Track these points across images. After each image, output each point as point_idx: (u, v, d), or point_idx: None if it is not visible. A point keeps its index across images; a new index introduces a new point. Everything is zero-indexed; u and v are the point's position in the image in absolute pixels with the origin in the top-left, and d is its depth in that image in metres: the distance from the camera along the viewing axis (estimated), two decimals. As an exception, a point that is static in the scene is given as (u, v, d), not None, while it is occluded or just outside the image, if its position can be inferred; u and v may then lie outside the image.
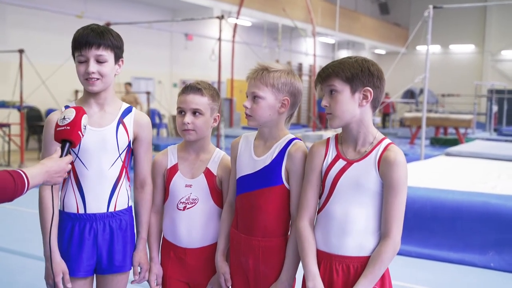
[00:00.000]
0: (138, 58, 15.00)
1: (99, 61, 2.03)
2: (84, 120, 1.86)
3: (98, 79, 2.04)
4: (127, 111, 2.18)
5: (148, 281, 2.24)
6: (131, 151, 2.20)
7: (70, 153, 1.86)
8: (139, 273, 2.22)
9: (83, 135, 1.86)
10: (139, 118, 2.19)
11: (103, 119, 2.11)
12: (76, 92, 12.96)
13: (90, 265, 2.13)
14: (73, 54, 2.07)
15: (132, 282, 2.26)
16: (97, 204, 2.10)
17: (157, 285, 2.23)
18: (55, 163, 1.79)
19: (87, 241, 2.10)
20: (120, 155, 2.13)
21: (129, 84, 13.05)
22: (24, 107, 9.74)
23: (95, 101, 2.12)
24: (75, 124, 1.82)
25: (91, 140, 2.07)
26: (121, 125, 2.13)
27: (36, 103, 11.36)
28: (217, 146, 9.72)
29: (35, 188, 1.82)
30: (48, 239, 2.01)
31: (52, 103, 10.39)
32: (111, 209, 2.12)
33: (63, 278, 2.08)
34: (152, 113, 14.83)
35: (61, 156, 1.81)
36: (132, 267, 2.21)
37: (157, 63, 16.20)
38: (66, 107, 2.10)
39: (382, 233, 1.83)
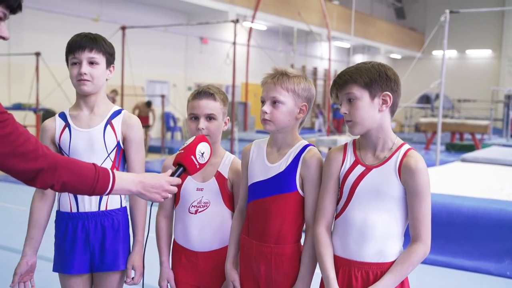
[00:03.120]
0: (153, 62, 15.09)
1: (91, 63, 2.13)
2: (202, 147, 1.90)
3: (89, 80, 2.13)
4: (117, 112, 2.24)
5: (160, 286, 2.24)
6: (122, 152, 2.23)
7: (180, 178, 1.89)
8: (133, 277, 2.24)
9: (198, 163, 1.89)
10: (128, 119, 2.24)
11: (91, 121, 2.19)
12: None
13: (84, 263, 2.18)
14: (66, 60, 2.18)
15: (125, 282, 2.28)
16: (88, 203, 2.16)
17: None
18: (154, 177, 1.80)
19: (79, 239, 2.17)
20: (109, 155, 2.17)
21: (148, 105, 12.52)
22: (40, 109, 9.84)
23: (85, 103, 2.20)
24: (190, 149, 1.88)
25: (79, 141, 2.15)
26: (109, 126, 2.19)
27: (52, 106, 11.47)
28: (231, 149, 9.74)
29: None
30: (27, 236, 2.17)
31: (68, 106, 10.43)
32: (103, 208, 2.18)
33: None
34: (166, 116, 14.90)
35: (171, 176, 1.84)
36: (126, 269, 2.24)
37: (172, 66, 16.28)
38: (60, 113, 2.23)
39: (412, 238, 1.82)
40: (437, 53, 23.85)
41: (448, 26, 7.99)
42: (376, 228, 1.81)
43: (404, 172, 1.78)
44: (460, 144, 13.96)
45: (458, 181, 6.23)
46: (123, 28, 10.44)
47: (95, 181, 1.68)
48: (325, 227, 1.91)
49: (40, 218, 2.19)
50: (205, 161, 1.91)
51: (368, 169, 1.84)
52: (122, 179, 1.74)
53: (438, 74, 8.21)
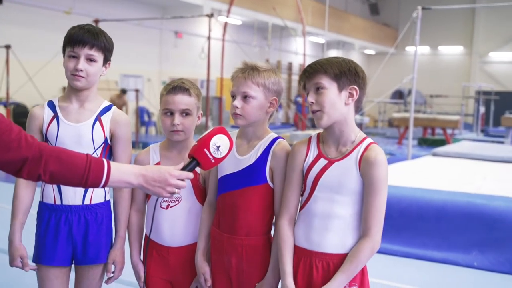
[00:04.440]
0: (127, 56, 14.93)
1: (89, 60, 2.09)
2: (218, 140, 1.77)
3: (83, 77, 2.10)
4: (106, 109, 2.22)
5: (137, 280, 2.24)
6: (109, 148, 2.22)
7: (193, 172, 1.76)
8: (113, 271, 2.25)
9: (213, 158, 1.76)
10: (117, 116, 2.22)
11: (81, 115, 2.17)
12: (64, 88, 12.87)
13: (66, 255, 2.18)
14: (63, 49, 2.13)
15: (105, 281, 2.27)
16: (73, 196, 2.16)
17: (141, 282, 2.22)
18: (158, 170, 1.69)
19: (62, 231, 2.17)
20: (95, 150, 2.16)
21: (123, 91, 13.05)
22: (10, 103, 9.68)
23: (76, 97, 2.17)
24: (204, 142, 1.77)
25: (67, 134, 2.13)
26: (97, 122, 2.17)
27: (23, 100, 11.28)
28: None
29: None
30: (12, 224, 2.14)
31: (39, 100, 10.33)
32: (87, 202, 2.18)
33: (23, 262, 2.16)
34: (141, 111, 14.78)
35: (182, 170, 1.72)
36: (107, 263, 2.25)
37: (146, 60, 16.14)
38: (49, 102, 2.20)
39: (362, 232, 1.85)
40: (410, 49, 24.12)
41: (421, 22, 8.10)
42: (337, 220, 1.85)
43: (364, 164, 1.82)
44: (432, 139, 14.20)
45: (429, 175, 6.35)
46: (96, 22, 10.32)
47: (86, 171, 1.60)
48: (287, 219, 1.94)
49: (28, 204, 2.19)
50: (222, 156, 1.78)
51: (331, 162, 1.87)
52: (120, 170, 1.65)
53: (411, 70, 8.33)
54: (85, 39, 2.06)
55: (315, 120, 1.88)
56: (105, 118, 2.19)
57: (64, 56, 2.12)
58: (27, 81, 9.85)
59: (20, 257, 2.15)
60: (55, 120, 2.15)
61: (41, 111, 2.17)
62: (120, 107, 11.88)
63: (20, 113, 11.90)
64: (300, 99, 17.04)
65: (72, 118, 2.15)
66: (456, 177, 6.29)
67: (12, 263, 2.17)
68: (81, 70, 2.07)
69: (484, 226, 4.44)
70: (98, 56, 2.10)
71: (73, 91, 2.16)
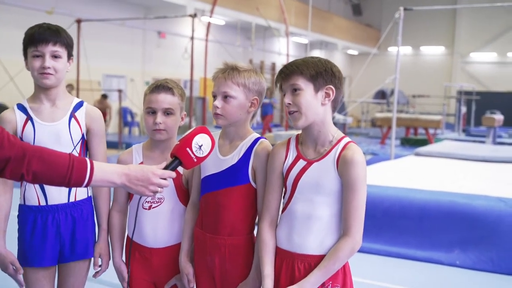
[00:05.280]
0: (110, 56, 14.82)
1: (54, 57, 2.12)
2: (200, 139, 1.77)
3: (52, 74, 2.12)
4: (79, 105, 2.25)
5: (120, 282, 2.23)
6: (85, 143, 2.25)
7: (175, 171, 1.77)
8: (100, 265, 2.26)
9: (196, 157, 1.76)
10: (91, 111, 2.26)
11: (55, 114, 2.18)
12: (46, 89, 12.75)
13: (54, 254, 2.19)
14: (24, 51, 2.16)
15: (93, 275, 2.28)
16: (58, 195, 2.17)
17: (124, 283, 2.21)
18: (141, 169, 1.69)
19: (50, 231, 2.17)
20: (75, 147, 2.19)
21: (104, 96, 13.02)
22: (-9, 104, 9.55)
23: (46, 96, 2.19)
24: (186, 141, 1.77)
25: (44, 134, 2.14)
26: (73, 119, 2.20)
27: (4, 100, 11.14)
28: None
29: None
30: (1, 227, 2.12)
31: (21, 100, 10.20)
32: (72, 199, 2.20)
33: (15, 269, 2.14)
34: (124, 111, 14.69)
35: (164, 169, 1.73)
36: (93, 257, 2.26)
37: (129, 60, 16.03)
38: (18, 105, 2.20)
39: (343, 231, 1.85)
40: (392, 49, 24.28)
41: (403, 23, 8.16)
42: (317, 221, 1.85)
43: (341, 164, 1.82)
44: (414, 139, 14.30)
45: (412, 175, 6.41)
46: (79, 21, 10.24)
47: (69, 171, 1.61)
48: (268, 222, 1.94)
49: (8, 210, 2.17)
50: (204, 155, 1.79)
51: (309, 163, 1.87)
52: (103, 170, 1.65)
53: (393, 70, 8.39)
54: (47, 36, 2.09)
55: (292, 121, 1.88)
56: (80, 114, 2.21)
57: (26, 58, 2.14)
58: (8, 81, 9.73)
59: (11, 263, 2.13)
60: (29, 122, 2.14)
61: (12, 115, 2.16)
62: (103, 112, 11.83)
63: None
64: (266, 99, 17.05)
65: (47, 118, 2.16)
66: (439, 176, 6.35)
67: (5, 271, 2.14)
68: (49, 68, 2.09)
69: (466, 225, 4.49)
70: (62, 52, 2.13)
71: (42, 90, 2.18)
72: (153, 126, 2.11)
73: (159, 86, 2.13)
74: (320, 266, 1.83)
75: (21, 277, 2.16)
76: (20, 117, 2.15)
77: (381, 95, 20.49)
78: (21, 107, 2.18)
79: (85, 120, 2.21)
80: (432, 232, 4.61)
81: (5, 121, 2.15)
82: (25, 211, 2.19)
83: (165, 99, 2.11)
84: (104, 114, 11.94)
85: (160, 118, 2.11)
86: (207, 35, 15.34)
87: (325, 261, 1.83)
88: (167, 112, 2.12)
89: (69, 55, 2.19)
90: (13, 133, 2.13)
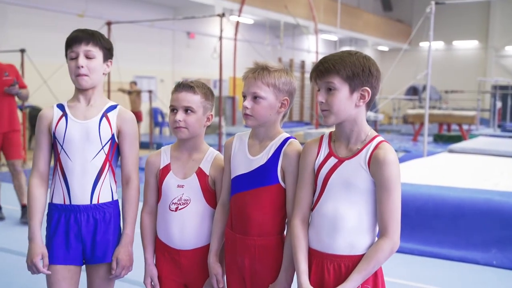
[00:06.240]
0: (140, 57, 14.99)
1: (88, 57, 2.17)
2: None
3: (86, 74, 2.17)
4: (112, 107, 2.28)
5: (144, 283, 2.23)
6: (116, 146, 2.26)
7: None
8: (116, 268, 2.23)
9: None
10: (123, 113, 2.28)
11: (88, 112, 2.23)
12: (78, 91, 12.96)
13: (77, 254, 2.21)
14: (66, 55, 2.23)
15: (110, 277, 2.27)
16: (81, 196, 2.18)
17: (153, 286, 2.21)
18: None
19: (72, 231, 2.20)
20: (103, 147, 2.21)
21: (134, 83, 13.15)
22: (26, 106, 9.75)
23: (83, 97, 2.26)
24: None
25: (75, 131, 2.19)
26: (104, 118, 2.23)
27: (38, 103, 11.36)
28: (219, 144, 9.72)
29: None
30: (32, 224, 2.18)
31: (54, 102, 10.38)
32: (95, 201, 2.20)
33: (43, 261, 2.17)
34: (154, 112, 14.84)
35: None
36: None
37: (159, 61, 16.19)
38: (58, 104, 2.27)
39: (380, 232, 1.81)
40: (424, 44, 23.94)
41: (434, 17, 8.01)
42: (346, 220, 1.81)
43: (373, 163, 1.77)
44: (448, 135, 14.04)
45: (445, 172, 6.27)
46: (109, 24, 10.36)
47: None
48: (301, 219, 1.91)
49: (44, 203, 2.23)
50: None
51: (340, 161, 1.83)
52: None
53: (425, 66, 8.23)
54: (80, 37, 2.17)
55: (323, 118, 1.85)
56: (112, 115, 2.25)
57: (67, 62, 2.22)
58: (42, 84, 9.92)
59: (42, 255, 2.17)
60: (63, 118, 2.21)
61: (50, 112, 2.25)
62: (137, 95, 12.19)
63: (35, 116, 11.95)
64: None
65: (80, 115, 2.21)
66: (473, 173, 6.20)
67: (33, 259, 2.15)
68: (82, 67, 2.14)
69: (503, 223, 4.36)
70: (96, 52, 2.18)
71: (79, 91, 2.25)
72: (174, 124, 2.13)
73: (181, 85, 2.16)
74: (357, 269, 1.78)
75: (45, 270, 2.18)
76: (57, 113, 2.23)
77: (413, 91, 20.19)
78: (60, 106, 2.27)
79: (116, 121, 2.24)
80: (467, 231, 4.49)
81: (42, 117, 2.24)
82: (52, 208, 2.23)
83: (185, 97, 2.12)
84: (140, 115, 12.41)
85: (180, 115, 2.11)
86: (235, 34, 15.37)
87: (362, 263, 1.78)
88: (187, 110, 2.12)
89: (106, 57, 2.23)
90: (48, 128, 2.22)
